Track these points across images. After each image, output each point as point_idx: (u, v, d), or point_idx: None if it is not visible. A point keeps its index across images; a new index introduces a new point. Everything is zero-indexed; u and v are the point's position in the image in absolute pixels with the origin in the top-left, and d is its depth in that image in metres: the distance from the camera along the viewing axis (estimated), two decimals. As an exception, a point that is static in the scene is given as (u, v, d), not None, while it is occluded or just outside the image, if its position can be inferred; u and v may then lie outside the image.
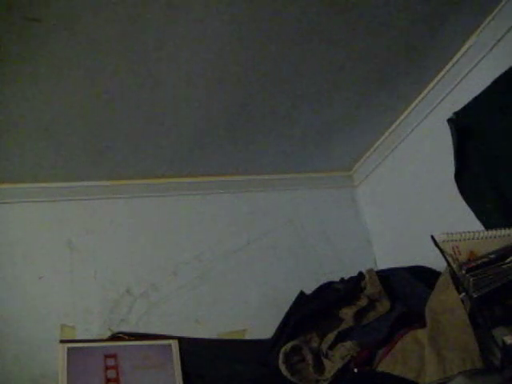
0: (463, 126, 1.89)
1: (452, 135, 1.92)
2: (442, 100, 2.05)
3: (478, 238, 1.44)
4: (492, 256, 1.34)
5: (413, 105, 2.18)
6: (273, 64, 1.80)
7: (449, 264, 1.40)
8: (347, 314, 1.94)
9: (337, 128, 2.28)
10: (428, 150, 2.16)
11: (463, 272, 1.32)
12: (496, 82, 1.75)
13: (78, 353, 1.85)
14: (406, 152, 2.34)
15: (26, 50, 1.53)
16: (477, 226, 1.78)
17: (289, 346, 1.85)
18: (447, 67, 1.97)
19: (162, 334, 2.05)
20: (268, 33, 1.66)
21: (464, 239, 1.44)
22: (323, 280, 2.18)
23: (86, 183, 2.29)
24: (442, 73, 2.00)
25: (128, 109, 1.89)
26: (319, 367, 1.80)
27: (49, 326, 2.00)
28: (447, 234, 1.44)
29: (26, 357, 1.92)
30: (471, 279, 1.29)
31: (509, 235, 1.43)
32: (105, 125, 1.96)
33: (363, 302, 1.95)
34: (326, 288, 2.12)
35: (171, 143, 2.15)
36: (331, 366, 1.76)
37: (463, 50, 1.88)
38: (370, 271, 2.06)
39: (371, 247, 2.57)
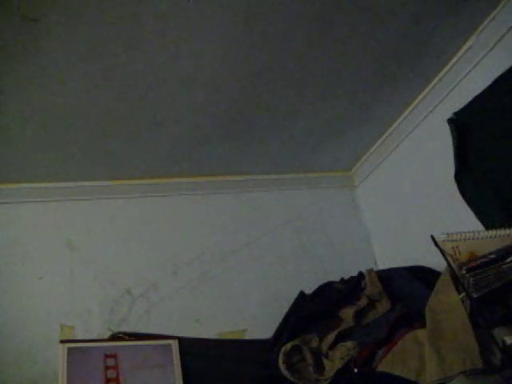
0: (463, 125, 1.89)
1: (452, 135, 1.92)
2: (442, 100, 2.05)
3: (477, 238, 1.44)
4: (492, 256, 1.34)
5: (413, 105, 2.18)
6: (273, 65, 1.80)
7: (449, 264, 1.40)
8: (347, 313, 1.94)
9: (337, 128, 2.28)
10: (428, 150, 2.16)
11: (463, 272, 1.32)
12: (496, 82, 1.76)
13: (78, 353, 1.85)
14: (406, 152, 2.34)
15: (25, 50, 1.53)
16: (477, 225, 1.78)
17: (289, 346, 1.85)
18: (447, 67, 1.97)
19: (162, 334, 2.05)
20: (269, 33, 1.66)
21: (464, 239, 1.44)
22: (323, 280, 2.18)
23: (85, 183, 2.29)
24: (442, 73, 2.00)
25: (128, 109, 1.89)
26: (319, 367, 1.80)
27: (49, 326, 2.00)
28: (447, 234, 1.44)
29: (26, 357, 1.92)
30: (471, 279, 1.29)
31: (509, 235, 1.43)
32: (105, 125, 1.96)
33: (363, 301, 1.96)
34: (326, 288, 2.13)
35: (171, 143, 2.16)
36: (331, 366, 1.76)
37: (463, 49, 1.89)
38: (370, 271, 2.06)
39: (371, 247, 2.57)
